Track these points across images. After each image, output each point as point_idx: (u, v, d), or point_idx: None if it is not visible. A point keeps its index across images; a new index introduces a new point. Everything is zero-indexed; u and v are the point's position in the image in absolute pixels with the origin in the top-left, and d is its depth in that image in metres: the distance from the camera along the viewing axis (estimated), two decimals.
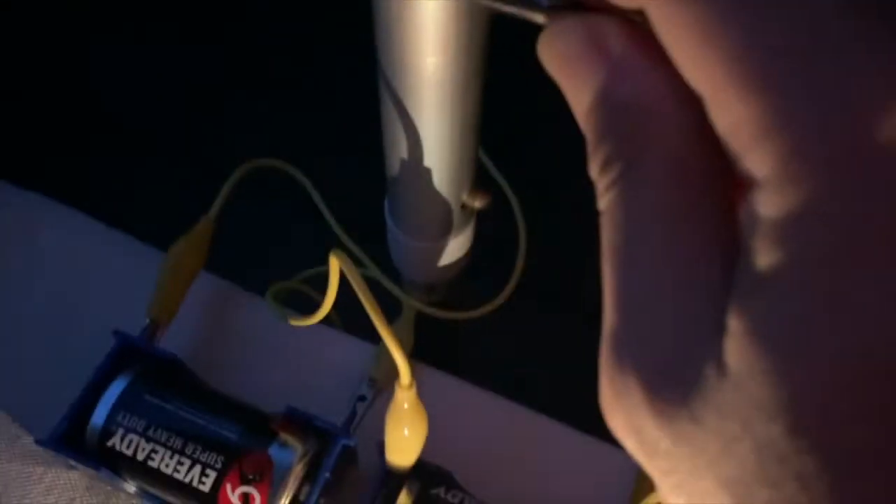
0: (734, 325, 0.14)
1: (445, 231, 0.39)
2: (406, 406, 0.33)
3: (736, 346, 0.14)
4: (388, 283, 0.45)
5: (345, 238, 0.46)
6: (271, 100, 0.55)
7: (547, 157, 0.48)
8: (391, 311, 0.45)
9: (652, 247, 0.16)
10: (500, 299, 0.45)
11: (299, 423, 0.38)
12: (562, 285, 0.47)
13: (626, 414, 0.16)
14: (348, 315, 0.40)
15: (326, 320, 0.38)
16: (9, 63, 0.57)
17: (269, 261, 0.49)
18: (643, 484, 0.39)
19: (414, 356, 0.44)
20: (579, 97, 0.18)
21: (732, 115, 0.14)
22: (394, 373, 0.42)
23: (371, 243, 0.47)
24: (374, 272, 0.46)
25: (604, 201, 0.17)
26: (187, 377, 0.41)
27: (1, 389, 0.43)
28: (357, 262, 0.48)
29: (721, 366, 0.14)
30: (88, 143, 0.53)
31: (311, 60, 0.57)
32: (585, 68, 0.18)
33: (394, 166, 0.35)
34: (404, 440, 0.34)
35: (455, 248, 0.40)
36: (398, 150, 0.34)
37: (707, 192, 0.16)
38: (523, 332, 0.46)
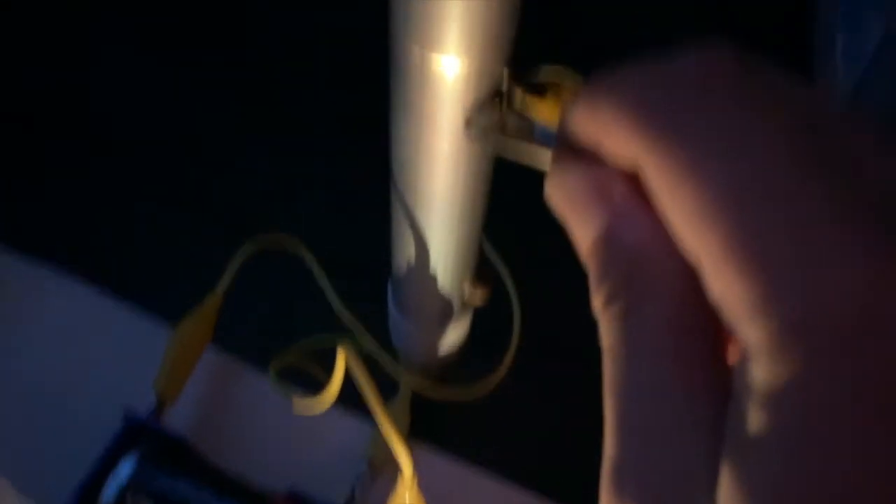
0: (726, 477, 0.15)
1: (445, 321, 0.40)
2: (407, 499, 0.34)
3: (727, 497, 0.15)
4: (386, 361, 0.47)
5: (346, 315, 0.48)
6: (282, 171, 0.57)
7: (548, 244, 0.50)
8: (388, 388, 0.47)
9: (650, 387, 0.17)
10: (495, 379, 0.47)
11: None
12: (557, 369, 0.49)
13: None
14: (348, 391, 0.41)
15: None
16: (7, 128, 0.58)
17: (273, 331, 0.50)
18: None
19: (410, 434, 0.45)
20: (583, 237, 0.20)
21: (725, 288, 0.16)
22: (391, 455, 0.44)
23: (371, 319, 0.49)
24: (374, 350, 0.47)
25: (606, 338, 0.19)
26: (193, 456, 0.42)
27: (7, 463, 0.44)
28: (357, 339, 0.49)
29: None
30: (92, 209, 0.54)
31: (327, 138, 0.58)
32: (588, 211, 0.19)
33: (400, 264, 0.37)
34: None
35: (454, 336, 0.42)
36: (405, 251, 0.36)
37: (703, 339, 0.17)
38: (518, 411, 0.48)
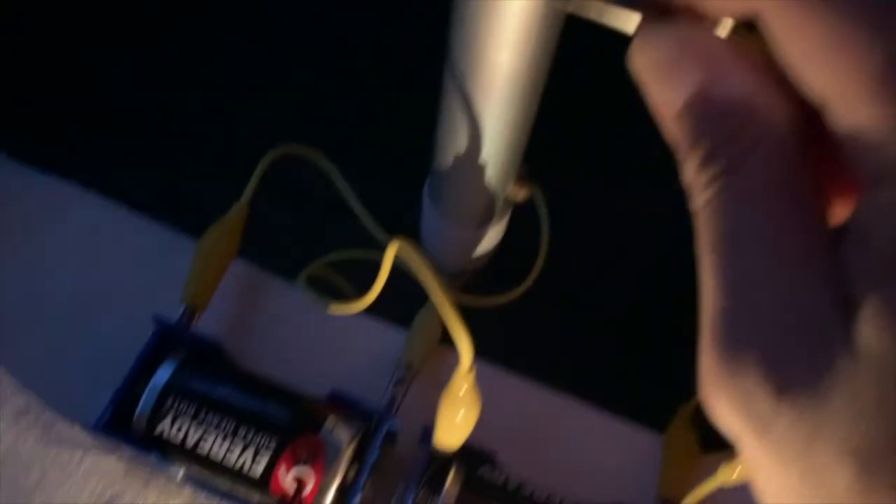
0: (868, 309, 0.15)
1: (486, 220, 0.40)
2: (464, 389, 0.34)
3: (872, 330, 0.15)
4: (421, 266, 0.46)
5: (370, 224, 0.47)
6: (299, 88, 0.55)
7: (577, 156, 0.50)
8: (416, 298, 0.47)
9: (761, 235, 0.17)
10: (524, 286, 0.46)
11: (345, 405, 0.39)
12: (583, 275, 0.49)
13: (738, 393, 0.17)
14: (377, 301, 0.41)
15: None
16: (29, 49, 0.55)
17: (299, 245, 0.49)
18: (671, 460, 0.42)
19: (442, 341, 0.45)
20: (670, 101, 0.19)
21: (856, 120, 0.16)
22: (426, 356, 0.44)
23: (392, 232, 0.48)
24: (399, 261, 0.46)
25: (703, 197, 0.18)
26: (229, 362, 0.42)
27: (33, 378, 0.42)
28: (382, 249, 0.49)
29: (853, 348, 0.15)
30: (113, 126, 0.52)
31: (345, 54, 0.57)
32: (681, 72, 0.19)
33: (446, 156, 0.36)
34: (457, 423, 0.35)
35: (490, 238, 0.42)
36: (455, 141, 0.35)
37: (810, 188, 0.17)
38: (545, 317, 0.48)
